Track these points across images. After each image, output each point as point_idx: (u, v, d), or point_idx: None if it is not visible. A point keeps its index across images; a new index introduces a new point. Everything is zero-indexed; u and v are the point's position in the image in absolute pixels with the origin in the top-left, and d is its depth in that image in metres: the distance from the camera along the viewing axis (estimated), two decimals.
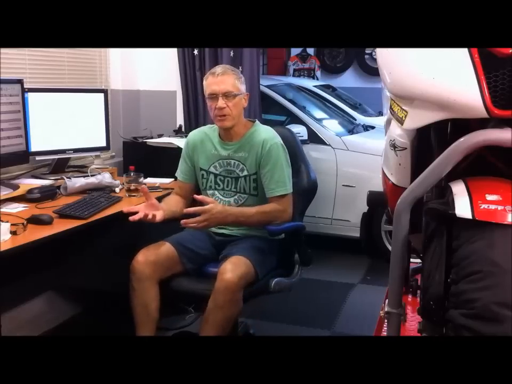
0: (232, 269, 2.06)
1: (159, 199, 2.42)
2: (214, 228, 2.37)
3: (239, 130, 2.34)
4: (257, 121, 2.41)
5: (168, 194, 2.56)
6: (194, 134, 2.46)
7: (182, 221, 2.14)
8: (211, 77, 2.27)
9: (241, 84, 2.29)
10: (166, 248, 2.23)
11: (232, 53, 3.42)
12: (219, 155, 2.35)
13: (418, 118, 1.24)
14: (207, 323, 2.08)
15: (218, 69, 2.30)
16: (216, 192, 2.37)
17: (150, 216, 2.12)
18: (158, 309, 2.17)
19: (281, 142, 2.33)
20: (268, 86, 4.42)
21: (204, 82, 2.32)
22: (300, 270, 2.35)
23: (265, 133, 2.33)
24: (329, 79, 7.28)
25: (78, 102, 2.80)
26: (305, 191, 2.40)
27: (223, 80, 2.24)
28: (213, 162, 2.37)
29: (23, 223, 2.02)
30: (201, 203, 2.17)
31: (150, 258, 2.16)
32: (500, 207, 1.09)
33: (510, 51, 1.09)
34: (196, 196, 2.22)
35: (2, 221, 1.93)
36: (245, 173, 2.32)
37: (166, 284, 2.20)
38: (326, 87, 5.45)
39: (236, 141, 2.34)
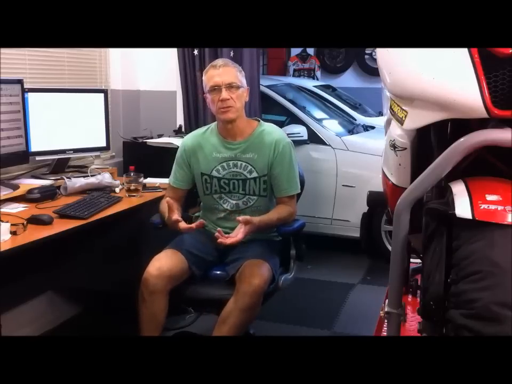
0: (259, 273, 2.06)
1: (159, 199, 2.42)
2: (215, 231, 2.36)
3: (243, 127, 2.28)
4: (261, 120, 2.36)
5: None
6: (190, 138, 2.38)
7: (219, 240, 2.09)
8: (212, 69, 2.22)
9: (242, 77, 2.26)
10: (177, 258, 2.17)
11: (232, 53, 3.41)
12: (222, 157, 2.29)
13: (418, 118, 1.24)
14: (226, 324, 2.05)
15: (219, 61, 2.26)
16: (223, 195, 2.33)
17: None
18: (165, 318, 2.15)
19: (290, 140, 2.33)
20: (268, 86, 4.42)
21: (204, 76, 2.26)
22: (295, 265, 2.37)
23: (276, 133, 2.30)
24: (329, 79, 7.28)
25: (78, 102, 2.80)
26: None
27: (226, 71, 2.20)
28: (215, 166, 2.29)
29: (23, 223, 2.02)
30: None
31: (164, 271, 2.10)
32: (499, 207, 1.09)
33: (510, 51, 1.09)
34: (238, 218, 2.12)
35: (2, 221, 1.93)
36: (254, 174, 2.27)
37: (175, 291, 2.17)
38: (326, 87, 5.45)
39: (241, 139, 2.28)
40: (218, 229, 2.15)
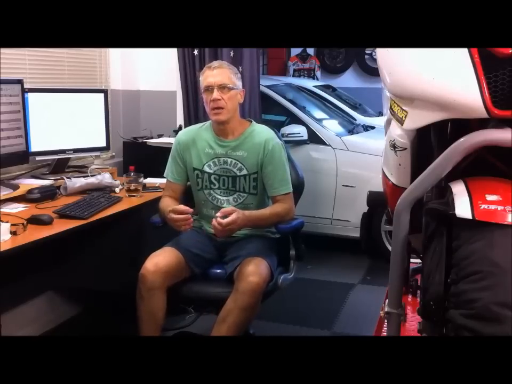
0: (257, 271, 2.06)
1: (159, 199, 2.42)
2: (213, 230, 2.36)
3: (235, 127, 2.33)
4: (253, 121, 2.41)
5: None
6: (184, 133, 2.44)
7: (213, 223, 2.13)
8: (207, 70, 2.28)
9: (237, 79, 2.30)
10: (175, 255, 2.19)
11: (232, 53, 3.41)
12: (214, 153, 2.33)
13: (418, 118, 1.24)
14: (225, 323, 2.05)
15: (215, 63, 2.32)
16: (212, 191, 2.35)
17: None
18: (164, 317, 2.15)
19: (281, 141, 2.36)
20: (268, 86, 4.42)
21: (200, 77, 2.31)
22: (295, 265, 2.37)
23: (266, 133, 2.34)
24: (329, 79, 7.27)
25: (78, 102, 2.80)
26: (294, 189, 2.39)
27: (219, 72, 2.25)
28: (207, 161, 2.34)
29: (23, 223, 2.02)
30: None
31: (161, 267, 2.11)
32: (499, 207, 1.09)
33: (510, 51, 1.09)
34: (218, 214, 2.15)
35: (2, 221, 1.93)
36: (244, 172, 2.31)
37: (174, 290, 2.18)
38: (326, 87, 5.44)
39: (232, 138, 2.33)
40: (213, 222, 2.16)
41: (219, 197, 2.35)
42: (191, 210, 2.19)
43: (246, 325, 2.15)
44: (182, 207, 2.17)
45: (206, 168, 2.34)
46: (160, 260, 2.14)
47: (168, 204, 2.29)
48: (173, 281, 2.17)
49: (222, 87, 2.23)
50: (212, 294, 2.21)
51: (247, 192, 2.34)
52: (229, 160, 2.32)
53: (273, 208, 2.30)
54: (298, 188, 2.47)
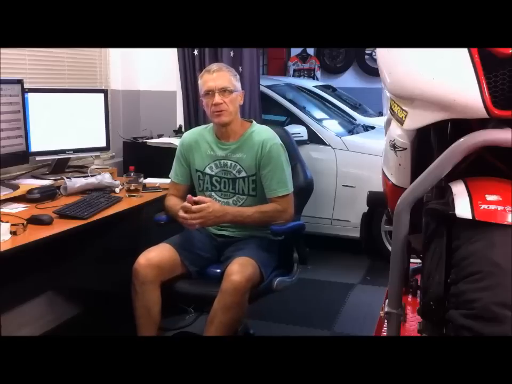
0: (240, 270, 2.05)
1: (160, 199, 2.43)
2: (214, 230, 2.37)
3: (236, 129, 2.33)
4: (254, 122, 2.41)
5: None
6: (188, 134, 2.45)
7: (180, 216, 2.15)
8: (207, 74, 2.27)
9: (236, 81, 2.30)
10: (167, 251, 2.21)
11: (232, 53, 3.41)
12: (215, 156, 2.34)
13: (419, 119, 1.24)
14: (213, 324, 2.05)
15: (213, 66, 2.31)
16: (213, 193, 2.36)
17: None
18: (160, 312, 2.16)
19: (281, 141, 2.34)
20: (268, 86, 4.42)
21: (199, 80, 2.31)
22: (298, 269, 2.36)
23: (265, 134, 2.33)
24: (329, 79, 7.28)
25: (78, 102, 2.80)
26: (302, 190, 2.40)
27: (219, 76, 2.25)
28: (209, 163, 2.35)
29: (23, 223, 2.02)
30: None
31: (153, 261, 2.13)
32: (500, 208, 1.09)
33: (510, 51, 1.08)
34: (193, 198, 2.21)
35: (2, 221, 1.93)
36: (243, 174, 2.31)
37: (169, 287, 2.19)
38: (326, 87, 5.45)
39: (233, 140, 2.33)
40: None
41: (219, 199, 2.35)
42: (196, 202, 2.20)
43: (234, 324, 2.12)
44: (188, 205, 2.17)
45: (208, 170, 2.35)
46: (153, 255, 2.16)
47: (175, 203, 2.30)
48: (166, 276, 2.17)
49: (223, 91, 2.23)
50: (208, 293, 2.19)
51: (247, 194, 2.33)
52: (229, 162, 2.32)
53: (260, 207, 2.29)
54: (306, 188, 2.46)
